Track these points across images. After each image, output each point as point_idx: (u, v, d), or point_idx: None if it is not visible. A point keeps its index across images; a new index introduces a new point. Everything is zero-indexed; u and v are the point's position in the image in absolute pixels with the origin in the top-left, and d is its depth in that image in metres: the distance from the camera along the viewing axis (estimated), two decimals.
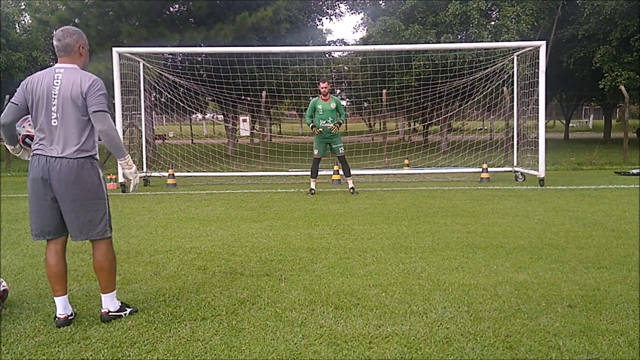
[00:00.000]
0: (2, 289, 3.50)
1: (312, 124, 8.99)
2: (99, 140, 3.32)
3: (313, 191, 9.25)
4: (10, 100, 3.25)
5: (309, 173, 9.34)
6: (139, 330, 3.17)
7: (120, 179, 9.92)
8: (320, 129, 8.92)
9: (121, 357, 2.82)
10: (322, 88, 8.90)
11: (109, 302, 3.34)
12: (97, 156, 3.32)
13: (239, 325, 3.22)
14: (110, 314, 3.33)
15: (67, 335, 3.09)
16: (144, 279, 4.16)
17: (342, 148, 9.12)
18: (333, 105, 8.90)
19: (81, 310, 3.48)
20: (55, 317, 3.26)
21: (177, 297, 3.76)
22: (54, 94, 3.17)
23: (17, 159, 18.40)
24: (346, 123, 47.43)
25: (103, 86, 3.23)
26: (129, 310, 3.42)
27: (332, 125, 8.88)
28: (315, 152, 9.14)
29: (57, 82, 3.19)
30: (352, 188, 9.23)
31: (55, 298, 3.26)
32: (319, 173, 9.50)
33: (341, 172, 9.96)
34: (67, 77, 3.19)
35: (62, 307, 3.25)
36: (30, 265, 4.65)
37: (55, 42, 3.27)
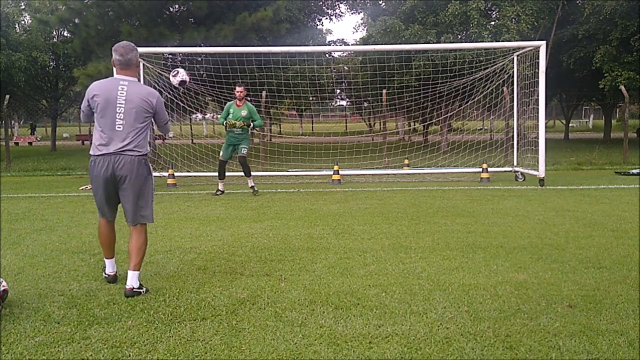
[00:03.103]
0: (2, 289, 3.50)
1: (225, 122, 9.07)
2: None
3: (219, 192, 9.32)
4: (81, 108, 3.90)
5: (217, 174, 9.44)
6: (139, 330, 3.17)
7: None
8: (234, 124, 8.92)
9: (121, 357, 2.82)
10: (238, 92, 9.00)
11: (135, 280, 3.79)
12: (149, 154, 3.86)
13: (239, 325, 3.23)
14: (134, 290, 3.76)
15: (67, 335, 3.09)
16: (144, 279, 4.16)
17: (246, 150, 9.20)
18: (244, 113, 8.98)
19: (81, 310, 3.48)
20: (105, 275, 4.05)
21: (177, 297, 3.76)
22: (119, 104, 3.69)
23: (18, 159, 18.41)
24: (346, 123, 47.23)
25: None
26: (144, 289, 3.83)
27: (239, 129, 8.99)
28: (221, 154, 9.27)
29: (123, 93, 3.71)
30: (252, 187, 9.36)
31: (106, 260, 4.06)
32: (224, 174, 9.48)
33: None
34: (133, 89, 3.75)
35: (110, 266, 4.06)
36: (30, 265, 4.64)
37: (117, 57, 3.80)
